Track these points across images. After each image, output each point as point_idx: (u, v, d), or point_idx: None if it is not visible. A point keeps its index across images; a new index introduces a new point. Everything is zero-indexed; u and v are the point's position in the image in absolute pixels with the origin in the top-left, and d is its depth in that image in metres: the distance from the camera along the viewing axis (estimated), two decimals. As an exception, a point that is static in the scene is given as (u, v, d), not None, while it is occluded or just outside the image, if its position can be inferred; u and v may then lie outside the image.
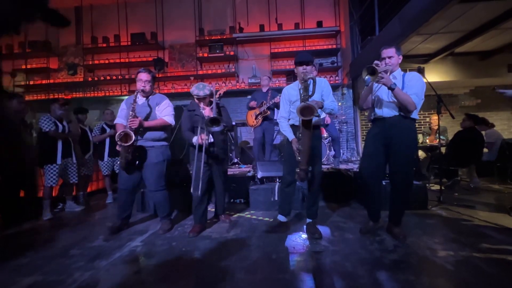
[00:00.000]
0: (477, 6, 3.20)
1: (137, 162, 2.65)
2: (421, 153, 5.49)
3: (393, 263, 1.93)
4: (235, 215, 3.27)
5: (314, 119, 2.23)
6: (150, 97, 2.78)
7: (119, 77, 6.86)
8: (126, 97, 6.76)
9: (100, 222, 3.25)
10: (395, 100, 2.25)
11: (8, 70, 6.82)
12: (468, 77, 5.29)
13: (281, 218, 2.74)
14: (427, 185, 4.17)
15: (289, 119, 2.61)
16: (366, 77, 2.20)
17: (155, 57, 6.76)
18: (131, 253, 2.26)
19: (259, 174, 3.68)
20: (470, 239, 2.29)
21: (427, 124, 6.35)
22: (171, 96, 6.83)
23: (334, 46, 6.60)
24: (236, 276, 1.82)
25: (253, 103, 4.55)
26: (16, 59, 7.06)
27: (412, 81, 2.26)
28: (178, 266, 2.03)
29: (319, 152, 2.54)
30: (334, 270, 1.86)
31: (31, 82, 7.11)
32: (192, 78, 6.68)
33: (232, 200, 3.87)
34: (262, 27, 6.66)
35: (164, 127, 2.79)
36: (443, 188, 3.60)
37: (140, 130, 2.65)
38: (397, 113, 2.29)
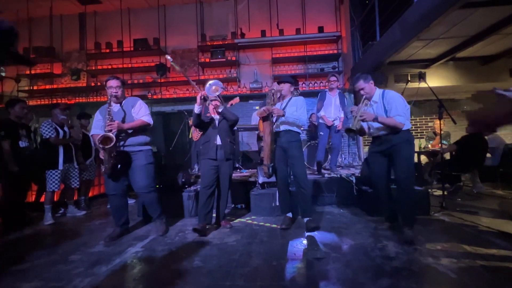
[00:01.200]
0: (477, 11, 3.21)
1: (119, 166, 2.62)
2: (423, 158, 5.45)
3: (395, 270, 1.90)
4: (235, 221, 3.26)
5: (282, 120, 2.83)
6: (123, 102, 2.80)
7: (122, 82, 6.91)
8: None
9: (101, 227, 3.25)
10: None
11: (13, 75, 6.90)
12: (469, 82, 5.27)
13: (288, 214, 3.05)
14: (430, 190, 4.13)
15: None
16: (352, 135, 2.67)
17: (158, 63, 6.82)
18: (132, 259, 2.26)
19: (260, 179, 3.67)
20: (473, 246, 2.26)
21: (430, 129, 6.34)
22: (173, 101, 6.95)
23: (335, 51, 6.62)
24: (236, 283, 1.80)
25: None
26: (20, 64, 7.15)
27: (390, 103, 2.43)
28: (178, 272, 2.02)
29: (296, 155, 2.83)
30: (335, 277, 1.84)
31: (35, 87, 7.18)
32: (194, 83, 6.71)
33: (233, 205, 3.86)
34: (263, 33, 6.71)
35: (144, 129, 2.81)
36: (445, 193, 3.57)
37: (122, 135, 2.67)
38: (390, 131, 2.48)
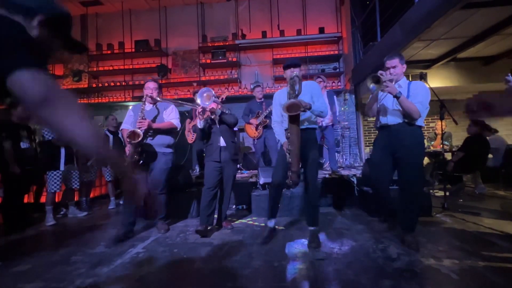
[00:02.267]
0: (478, 12, 3.20)
1: (141, 161, 2.80)
2: (424, 159, 5.43)
3: (397, 271, 1.90)
4: (237, 222, 3.26)
5: (305, 116, 2.40)
6: (157, 103, 3.03)
7: (123, 83, 6.94)
8: (130, 103, 6.92)
9: (102, 228, 3.26)
10: (400, 108, 2.29)
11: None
12: (471, 83, 5.26)
13: (270, 223, 2.64)
14: (431, 191, 4.12)
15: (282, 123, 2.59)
16: (371, 86, 2.24)
17: (159, 64, 6.83)
18: (133, 260, 2.26)
19: (261, 180, 3.66)
20: (475, 247, 2.25)
21: (431, 130, 6.31)
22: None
23: (336, 52, 6.62)
24: (237, 284, 1.80)
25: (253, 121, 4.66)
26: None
27: (417, 89, 2.31)
28: (180, 273, 2.03)
29: (312, 156, 2.46)
30: (337, 279, 1.83)
31: (37, 89, 7.20)
32: (195, 84, 6.73)
33: (234, 206, 3.86)
34: (264, 34, 6.71)
35: (171, 131, 3.02)
36: (447, 194, 3.56)
37: (150, 132, 2.86)
38: (401, 121, 2.33)
